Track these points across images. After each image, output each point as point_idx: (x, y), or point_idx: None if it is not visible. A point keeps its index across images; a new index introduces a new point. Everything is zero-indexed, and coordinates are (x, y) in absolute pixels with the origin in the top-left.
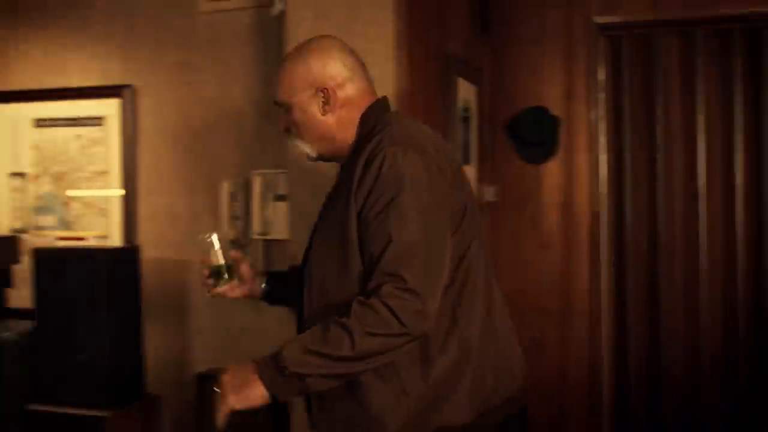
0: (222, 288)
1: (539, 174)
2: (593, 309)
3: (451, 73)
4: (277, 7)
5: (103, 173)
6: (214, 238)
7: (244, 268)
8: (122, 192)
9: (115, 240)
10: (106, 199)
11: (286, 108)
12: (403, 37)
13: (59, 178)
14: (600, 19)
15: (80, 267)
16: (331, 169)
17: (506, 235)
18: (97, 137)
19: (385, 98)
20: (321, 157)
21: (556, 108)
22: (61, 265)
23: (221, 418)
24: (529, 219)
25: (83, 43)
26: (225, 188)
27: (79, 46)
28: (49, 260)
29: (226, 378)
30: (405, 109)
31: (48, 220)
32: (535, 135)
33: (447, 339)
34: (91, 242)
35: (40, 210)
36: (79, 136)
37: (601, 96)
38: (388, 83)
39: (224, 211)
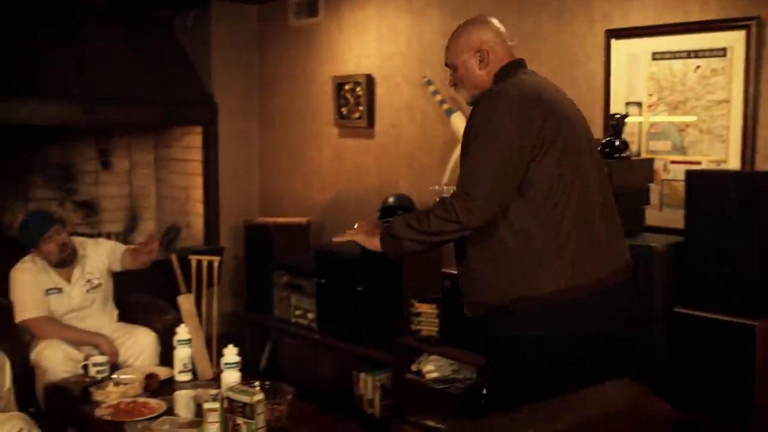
0: None
1: None
2: None
3: None
4: None
5: (723, 102)
6: None
7: None
8: (741, 120)
9: (733, 165)
10: (725, 126)
11: (454, 67)
12: None
13: (675, 107)
14: None
15: (734, 188)
16: None
17: None
18: (717, 68)
19: (520, 60)
20: (474, 102)
21: None
22: (713, 186)
23: (344, 238)
24: None
25: None
26: None
27: None
28: (702, 181)
29: (362, 224)
30: None
31: (661, 145)
32: None
33: (528, 234)
34: (706, 167)
35: (654, 136)
36: (698, 67)
37: None
38: None
39: None
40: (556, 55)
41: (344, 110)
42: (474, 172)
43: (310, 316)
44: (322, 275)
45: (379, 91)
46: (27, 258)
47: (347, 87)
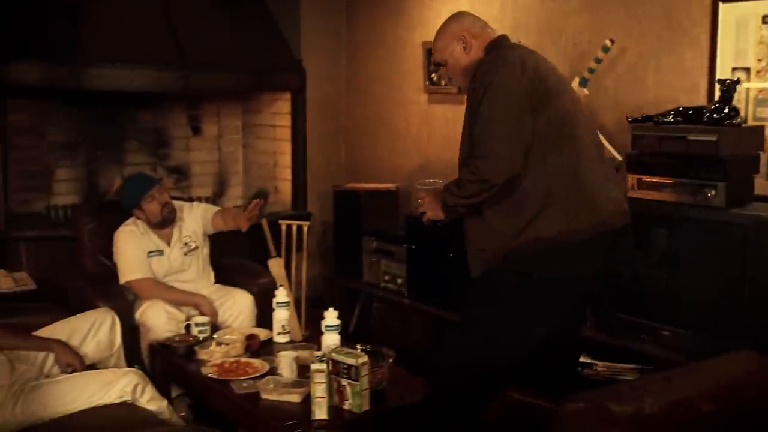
0: None
1: None
2: None
3: None
4: None
5: None
6: None
7: None
8: None
9: None
10: None
11: (444, 62)
12: None
13: None
14: None
15: None
16: None
17: None
18: None
19: (502, 35)
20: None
21: None
22: None
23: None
24: None
25: None
26: None
27: None
28: None
29: (426, 199)
30: None
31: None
32: None
33: (536, 181)
34: None
35: (762, 102)
36: None
37: None
38: None
39: None
40: (658, 21)
41: (434, 76)
42: (491, 126)
43: (399, 281)
44: (412, 241)
45: None
46: (129, 221)
47: None
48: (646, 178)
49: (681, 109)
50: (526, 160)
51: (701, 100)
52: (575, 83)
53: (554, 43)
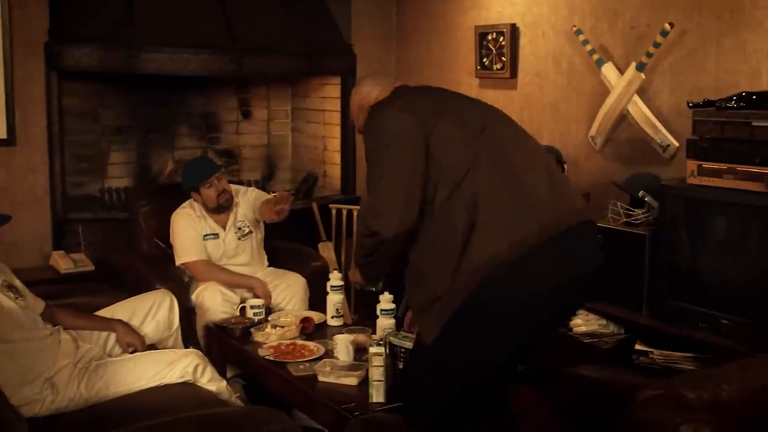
0: None
1: None
2: None
3: None
4: None
5: None
6: None
7: None
8: None
9: None
10: None
11: (355, 122)
12: None
13: None
14: None
15: None
16: None
17: None
18: None
19: (399, 86)
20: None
21: None
22: None
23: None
24: None
25: None
26: None
27: None
28: None
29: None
30: None
31: None
32: None
33: (455, 206)
34: None
35: None
36: None
37: None
38: None
39: None
40: (719, 3)
41: (486, 60)
42: (380, 184)
43: None
44: None
45: (523, 40)
46: (186, 203)
47: (490, 37)
48: (706, 165)
49: (744, 94)
50: (433, 194)
51: (763, 85)
52: (632, 68)
53: (611, 27)
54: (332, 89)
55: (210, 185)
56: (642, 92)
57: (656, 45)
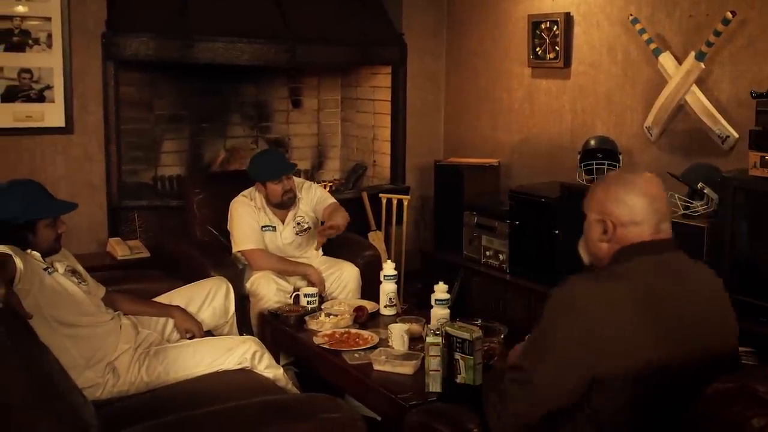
0: None
1: None
2: None
3: None
4: None
5: None
6: None
7: None
8: None
9: None
10: None
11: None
12: None
13: None
14: None
15: None
16: None
17: None
18: None
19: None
20: None
21: None
22: None
23: None
24: None
25: None
26: None
27: None
28: None
29: None
30: None
31: None
32: None
33: None
34: None
35: None
36: None
37: None
38: None
39: None
40: None
41: (539, 50)
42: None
43: (501, 257)
44: (516, 217)
45: (577, 29)
46: (246, 192)
47: (543, 26)
48: None
49: None
50: None
51: None
52: (691, 57)
53: (669, 15)
54: (382, 79)
55: (278, 182)
56: (701, 82)
57: (717, 34)
